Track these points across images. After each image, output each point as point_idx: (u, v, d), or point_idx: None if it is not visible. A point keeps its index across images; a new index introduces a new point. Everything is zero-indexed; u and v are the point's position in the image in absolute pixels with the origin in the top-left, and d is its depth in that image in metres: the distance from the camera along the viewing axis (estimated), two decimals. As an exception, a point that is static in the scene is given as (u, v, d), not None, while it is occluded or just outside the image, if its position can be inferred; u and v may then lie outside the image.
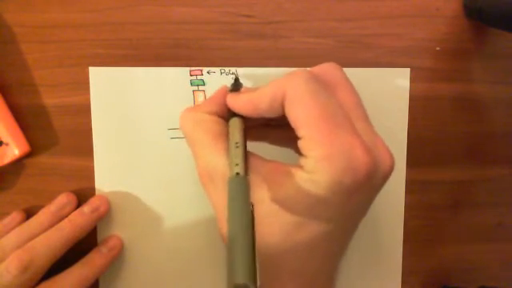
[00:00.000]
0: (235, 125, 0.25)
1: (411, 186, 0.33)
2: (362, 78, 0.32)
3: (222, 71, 0.31)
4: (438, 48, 0.32)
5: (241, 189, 0.22)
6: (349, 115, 0.22)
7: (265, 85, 0.23)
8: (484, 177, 0.34)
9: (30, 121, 0.31)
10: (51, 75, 0.31)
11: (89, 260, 0.30)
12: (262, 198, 0.22)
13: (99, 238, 0.32)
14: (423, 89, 0.32)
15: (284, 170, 0.23)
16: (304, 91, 0.22)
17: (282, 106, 0.22)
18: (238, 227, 0.20)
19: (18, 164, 0.31)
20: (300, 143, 0.22)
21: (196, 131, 0.25)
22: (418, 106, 0.32)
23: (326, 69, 0.24)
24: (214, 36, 0.31)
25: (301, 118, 0.22)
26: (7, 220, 0.30)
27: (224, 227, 0.24)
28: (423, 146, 0.33)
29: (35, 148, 0.31)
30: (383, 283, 0.33)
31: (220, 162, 0.23)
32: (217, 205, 0.24)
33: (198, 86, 0.31)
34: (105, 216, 0.31)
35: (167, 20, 0.31)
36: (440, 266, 0.34)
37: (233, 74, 0.31)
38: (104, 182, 0.31)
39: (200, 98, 0.31)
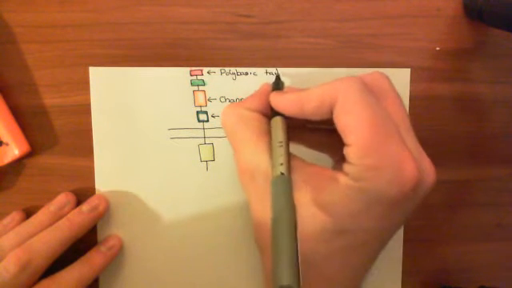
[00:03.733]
0: (278, 124, 0.24)
1: (411, 186, 0.33)
2: (361, 78, 0.32)
3: (222, 71, 0.31)
4: (437, 48, 0.32)
5: (285, 189, 0.22)
6: (398, 126, 0.22)
7: (314, 86, 0.23)
8: (484, 177, 0.34)
9: (30, 121, 0.31)
10: (51, 75, 0.31)
11: (88, 259, 0.29)
12: (302, 200, 0.22)
13: (99, 237, 0.32)
14: (423, 89, 0.32)
15: (327, 175, 0.22)
16: (357, 99, 0.22)
17: (330, 110, 0.22)
18: (283, 228, 0.20)
19: (18, 164, 0.31)
20: (347, 150, 0.22)
21: (239, 128, 0.25)
22: (418, 106, 0.32)
23: (376, 78, 0.24)
24: (214, 36, 0.31)
25: (352, 125, 0.21)
26: (7, 220, 0.30)
27: (260, 226, 0.24)
28: (423, 146, 0.33)
29: (35, 148, 0.31)
30: (383, 283, 0.33)
31: (263, 161, 0.23)
32: (255, 202, 0.24)
33: (198, 86, 0.31)
34: (104, 215, 0.31)
35: (167, 20, 0.31)
36: (440, 266, 0.34)
37: (233, 74, 0.31)
38: (104, 182, 0.31)
39: (200, 98, 0.31)
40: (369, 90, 0.22)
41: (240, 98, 0.31)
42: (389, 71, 0.32)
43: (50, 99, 0.31)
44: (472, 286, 0.34)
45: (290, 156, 0.23)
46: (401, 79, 0.32)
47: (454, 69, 0.32)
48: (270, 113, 0.26)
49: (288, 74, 0.31)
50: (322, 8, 0.31)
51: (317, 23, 0.31)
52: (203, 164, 0.32)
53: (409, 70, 0.32)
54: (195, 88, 0.31)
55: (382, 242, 0.24)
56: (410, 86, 0.32)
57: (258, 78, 0.31)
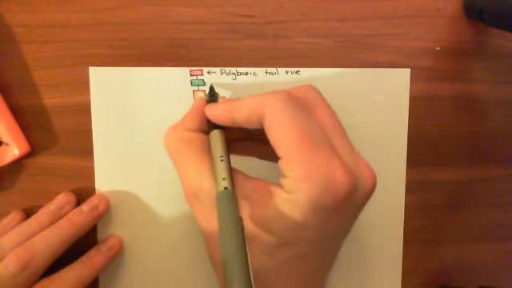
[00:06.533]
0: (216, 137, 0.25)
1: (411, 186, 0.33)
2: (361, 77, 0.32)
3: (222, 71, 0.31)
4: (437, 48, 0.32)
5: (230, 203, 0.22)
6: (328, 135, 0.22)
7: (245, 97, 0.24)
8: (484, 177, 0.34)
9: (30, 121, 0.31)
10: (51, 75, 0.31)
11: (88, 259, 0.30)
12: (243, 216, 0.22)
13: (99, 237, 0.32)
14: (423, 89, 0.32)
15: (267, 189, 0.22)
16: (283, 112, 0.22)
17: (259, 123, 0.23)
18: (232, 244, 0.20)
19: (17, 164, 0.31)
20: (280, 163, 0.22)
21: (180, 151, 0.25)
22: (418, 106, 0.32)
23: (304, 90, 0.24)
24: (214, 36, 0.31)
25: (280, 138, 0.22)
26: (7, 220, 0.30)
27: (211, 244, 0.24)
28: (423, 146, 0.33)
29: (35, 148, 0.31)
30: (383, 283, 0.33)
31: (205, 180, 0.23)
32: (202, 222, 0.24)
33: (198, 86, 0.31)
34: (104, 215, 0.31)
35: (167, 20, 0.31)
36: (440, 266, 0.34)
37: (233, 74, 0.31)
38: (104, 181, 0.31)
39: (200, 97, 0.31)
40: (296, 103, 0.22)
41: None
42: (389, 71, 0.32)
43: (50, 99, 0.31)
44: (472, 286, 0.34)
45: (232, 170, 0.23)
46: (401, 79, 0.32)
47: (454, 69, 0.32)
48: (209, 127, 0.26)
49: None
50: (322, 8, 0.31)
51: (317, 23, 0.31)
52: (203, 164, 0.32)
53: (409, 70, 0.32)
54: (195, 88, 0.31)
55: (328, 251, 0.24)
56: (410, 86, 0.32)
57: (258, 78, 0.31)
